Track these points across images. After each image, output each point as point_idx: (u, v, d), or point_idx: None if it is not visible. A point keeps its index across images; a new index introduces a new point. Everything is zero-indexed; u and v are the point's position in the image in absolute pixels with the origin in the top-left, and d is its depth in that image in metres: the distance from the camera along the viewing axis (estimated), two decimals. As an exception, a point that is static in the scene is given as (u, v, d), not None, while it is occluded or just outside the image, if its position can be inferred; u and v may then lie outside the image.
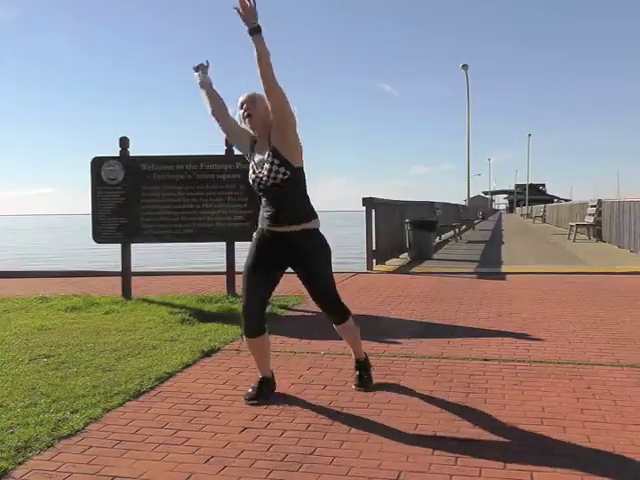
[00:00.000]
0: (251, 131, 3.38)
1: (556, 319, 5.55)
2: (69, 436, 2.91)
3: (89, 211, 7.01)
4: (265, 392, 3.45)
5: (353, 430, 2.95)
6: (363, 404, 3.32)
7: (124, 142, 7.05)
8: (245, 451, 2.73)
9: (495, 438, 2.83)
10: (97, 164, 6.97)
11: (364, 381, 3.62)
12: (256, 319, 3.40)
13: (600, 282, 7.99)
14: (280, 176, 3.24)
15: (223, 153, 7.04)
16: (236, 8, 3.08)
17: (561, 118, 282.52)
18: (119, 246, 7.15)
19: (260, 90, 3.21)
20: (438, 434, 2.88)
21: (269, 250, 3.37)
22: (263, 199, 3.39)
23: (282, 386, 3.64)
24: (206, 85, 3.47)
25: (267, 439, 2.86)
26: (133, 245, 7.16)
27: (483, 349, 4.47)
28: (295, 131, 3.28)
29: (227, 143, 7.00)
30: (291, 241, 3.32)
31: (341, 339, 3.74)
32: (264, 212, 3.38)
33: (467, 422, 3.03)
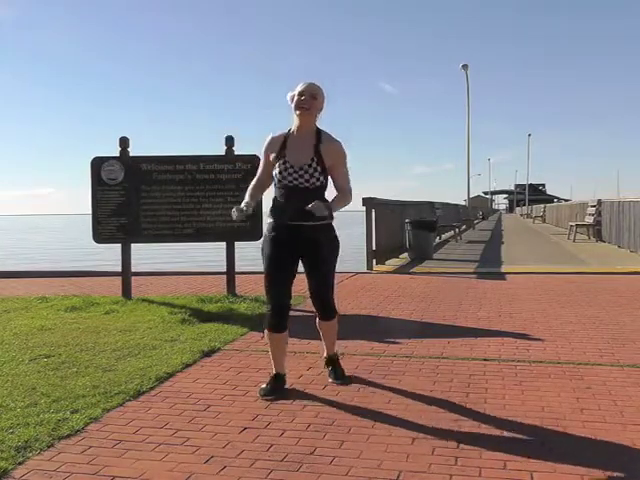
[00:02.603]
0: (298, 120, 3.43)
1: (556, 319, 5.56)
2: (69, 436, 2.90)
3: (89, 211, 7.01)
4: (280, 388, 3.53)
5: (353, 430, 2.95)
6: (363, 404, 3.32)
7: (124, 142, 7.04)
8: (245, 451, 2.73)
9: (495, 438, 2.83)
10: (97, 164, 6.97)
11: (340, 373, 3.74)
12: (285, 315, 3.53)
13: (600, 282, 7.99)
14: (316, 182, 3.42)
15: (223, 153, 7.04)
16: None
17: (561, 118, 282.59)
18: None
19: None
20: (438, 434, 2.88)
21: (287, 244, 3.46)
22: (286, 195, 3.43)
23: (282, 386, 3.64)
24: (253, 204, 3.51)
25: (267, 439, 2.86)
26: (133, 245, 7.15)
27: (483, 349, 4.47)
28: None
29: (227, 143, 7.00)
30: (310, 233, 3.43)
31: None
32: (286, 207, 3.43)
33: (467, 422, 3.03)
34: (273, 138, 3.52)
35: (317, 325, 3.74)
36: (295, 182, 3.40)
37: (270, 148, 3.51)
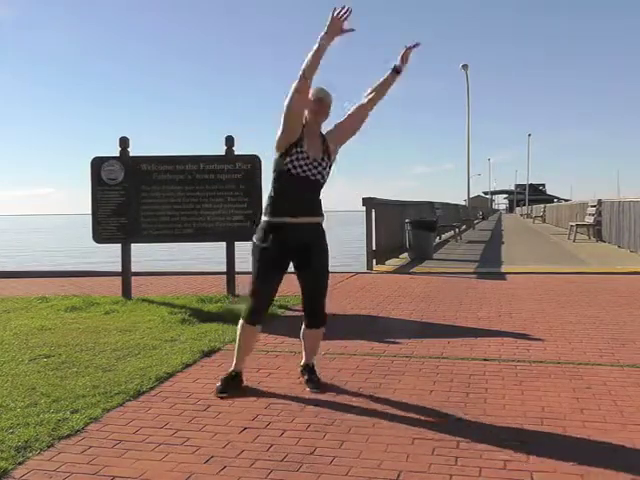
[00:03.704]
0: (315, 123, 3.40)
1: (556, 319, 5.56)
2: (69, 436, 2.90)
3: (89, 211, 7.01)
4: (236, 386, 3.54)
5: (353, 430, 2.95)
6: (363, 404, 3.32)
7: (124, 142, 7.04)
8: (245, 451, 2.72)
9: (495, 438, 2.83)
10: (97, 164, 6.97)
11: (317, 381, 3.63)
12: (265, 311, 3.58)
13: (600, 282, 8.00)
14: (326, 177, 3.46)
15: (223, 153, 7.04)
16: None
17: (561, 118, 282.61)
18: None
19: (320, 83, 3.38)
20: (438, 434, 2.88)
21: (286, 246, 3.41)
22: (293, 191, 3.39)
23: (282, 386, 3.65)
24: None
25: (267, 439, 2.86)
26: (133, 245, 7.15)
27: (483, 349, 4.47)
28: None
29: (227, 143, 7.01)
30: (308, 233, 3.43)
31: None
32: (292, 203, 3.39)
33: (467, 422, 3.03)
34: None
35: (301, 334, 3.66)
36: (308, 173, 3.36)
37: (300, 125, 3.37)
